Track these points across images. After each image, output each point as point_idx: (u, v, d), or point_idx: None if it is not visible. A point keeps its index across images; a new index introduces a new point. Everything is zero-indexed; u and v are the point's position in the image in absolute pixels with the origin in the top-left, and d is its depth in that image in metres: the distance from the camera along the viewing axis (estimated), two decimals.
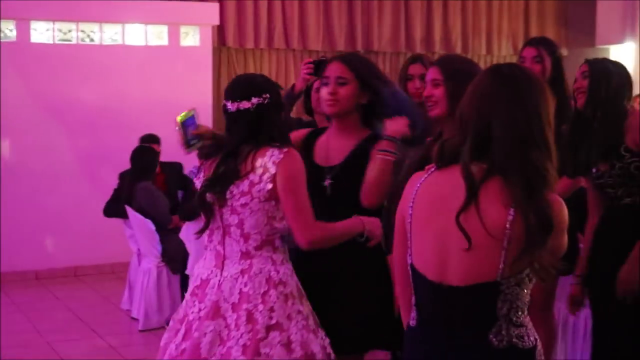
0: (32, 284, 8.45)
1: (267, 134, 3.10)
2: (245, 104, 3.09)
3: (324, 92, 3.43)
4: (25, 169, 8.72)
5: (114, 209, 7.29)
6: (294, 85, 4.63)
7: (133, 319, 6.96)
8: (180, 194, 7.56)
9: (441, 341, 2.36)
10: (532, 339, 2.35)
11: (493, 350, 2.29)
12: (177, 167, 7.81)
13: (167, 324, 6.52)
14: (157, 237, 6.80)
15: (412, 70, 4.73)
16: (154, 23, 9.42)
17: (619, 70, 3.92)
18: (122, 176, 7.44)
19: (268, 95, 3.12)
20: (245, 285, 3.04)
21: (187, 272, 6.43)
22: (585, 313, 4.67)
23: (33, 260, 8.70)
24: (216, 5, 9.89)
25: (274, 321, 3.01)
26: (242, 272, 3.06)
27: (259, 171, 3.05)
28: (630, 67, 11.38)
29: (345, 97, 3.40)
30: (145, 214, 6.80)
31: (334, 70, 3.45)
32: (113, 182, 7.54)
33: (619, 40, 11.55)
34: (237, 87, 3.20)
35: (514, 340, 2.30)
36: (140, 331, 6.72)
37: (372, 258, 3.37)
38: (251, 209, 3.04)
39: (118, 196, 7.28)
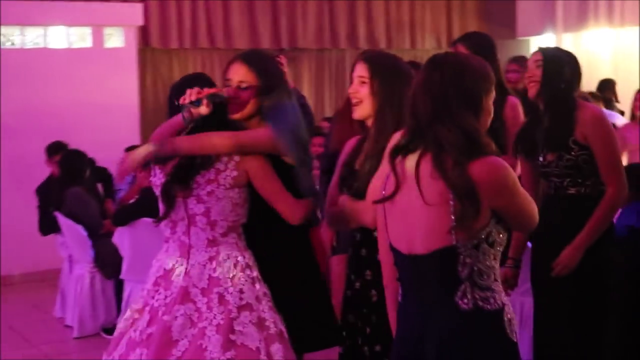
0: None
1: (232, 126, 3.26)
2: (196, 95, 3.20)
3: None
4: None
5: (48, 225, 7.17)
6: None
7: (67, 326, 6.87)
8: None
9: (416, 309, 2.58)
10: (498, 302, 2.50)
11: (460, 312, 2.46)
12: (105, 171, 7.76)
13: (103, 330, 6.53)
14: (89, 242, 6.71)
15: None
16: (77, 25, 9.29)
17: (571, 60, 3.95)
18: (39, 191, 7.34)
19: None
20: (215, 270, 3.16)
21: (121, 276, 6.37)
22: (521, 300, 4.84)
23: None
24: (140, 6, 9.79)
25: (244, 302, 3.14)
26: (210, 259, 3.18)
27: (225, 159, 3.18)
28: None
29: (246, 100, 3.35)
30: (76, 220, 6.70)
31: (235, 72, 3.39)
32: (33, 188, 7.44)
33: (538, 31, 11.82)
34: (181, 84, 3.37)
35: (480, 302, 2.47)
36: (75, 338, 6.64)
37: (299, 263, 3.43)
38: (217, 197, 3.17)
39: (45, 211, 7.16)
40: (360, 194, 3.09)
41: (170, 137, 3.21)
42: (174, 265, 3.23)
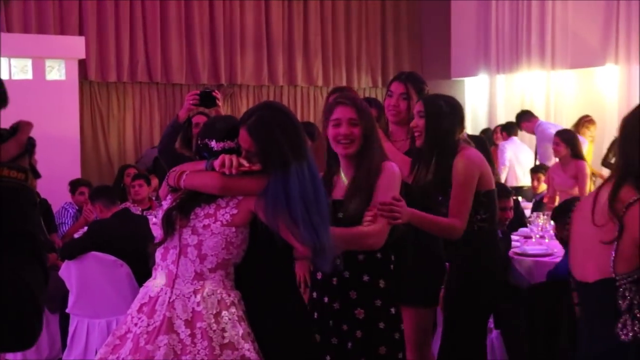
0: None
1: None
2: (230, 144, 3.26)
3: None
4: None
5: None
6: (177, 116, 4.66)
7: None
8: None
9: (586, 333, 2.85)
10: None
11: (620, 343, 2.66)
12: (44, 204, 7.67)
13: None
14: None
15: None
16: (18, 56, 9.20)
17: (451, 108, 4.16)
18: None
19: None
20: (198, 305, 3.13)
21: (67, 310, 6.28)
22: (491, 338, 5.13)
23: None
24: (82, 39, 9.78)
25: (226, 340, 3.09)
26: (195, 292, 3.15)
27: (227, 196, 3.19)
28: (485, 99, 12.01)
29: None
30: None
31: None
32: None
33: (472, 73, 12.10)
34: (219, 129, 3.33)
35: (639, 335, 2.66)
36: None
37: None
38: (212, 232, 3.16)
39: None
40: (347, 223, 3.43)
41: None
42: (158, 293, 3.21)
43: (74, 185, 8.28)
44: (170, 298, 3.17)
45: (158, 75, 11.03)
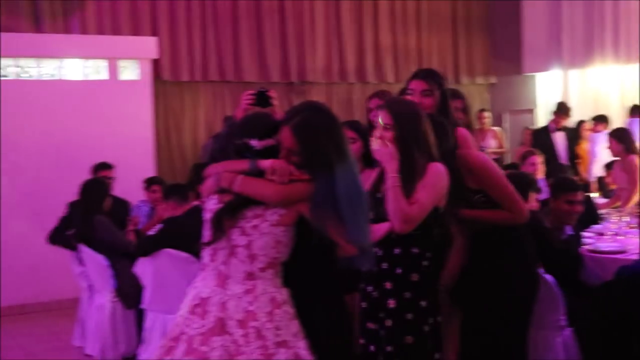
0: None
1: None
2: (270, 141, 3.28)
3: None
4: None
5: (60, 237, 7.21)
6: (234, 116, 4.72)
7: (87, 355, 6.86)
8: None
9: None
10: None
11: None
12: (124, 204, 7.83)
13: (123, 359, 6.56)
14: (110, 272, 6.75)
15: (372, 105, 4.92)
16: (92, 57, 9.38)
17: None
18: (72, 205, 7.39)
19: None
20: (251, 304, 3.16)
21: (142, 306, 6.40)
22: (563, 335, 5.04)
23: None
24: (154, 39, 9.92)
25: (280, 339, 3.14)
26: (247, 291, 3.18)
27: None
28: (557, 93, 11.84)
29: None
30: (105, 247, 6.76)
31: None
32: (54, 218, 7.46)
33: (544, 68, 11.93)
34: (258, 127, 3.36)
35: None
36: None
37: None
38: (261, 232, 3.19)
39: (65, 225, 7.21)
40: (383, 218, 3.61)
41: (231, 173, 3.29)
42: (209, 294, 3.22)
43: (149, 183, 8.42)
44: (222, 299, 3.19)
45: (230, 73, 11.12)
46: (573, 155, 10.40)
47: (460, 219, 4.14)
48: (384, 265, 3.78)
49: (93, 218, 6.86)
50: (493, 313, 4.24)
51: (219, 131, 10.63)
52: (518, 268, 4.35)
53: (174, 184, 6.97)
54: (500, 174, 4.28)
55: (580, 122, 10.69)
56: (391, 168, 3.66)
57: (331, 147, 3.18)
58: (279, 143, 3.28)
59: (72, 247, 7.05)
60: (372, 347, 3.80)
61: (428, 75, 4.49)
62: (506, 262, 4.29)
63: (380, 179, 3.80)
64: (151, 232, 6.91)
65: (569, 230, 5.73)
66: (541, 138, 10.30)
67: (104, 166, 7.96)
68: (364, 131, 4.61)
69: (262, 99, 4.15)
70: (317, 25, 11.73)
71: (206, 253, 3.30)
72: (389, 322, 3.75)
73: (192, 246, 5.74)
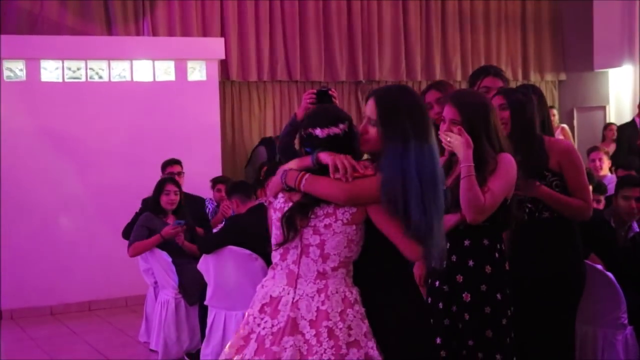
0: (48, 320, 8.49)
1: (355, 156, 3.24)
2: (334, 130, 3.23)
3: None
4: (37, 205, 8.80)
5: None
6: (295, 115, 4.74)
7: (152, 350, 6.98)
8: None
9: None
10: None
11: None
12: (198, 201, 7.94)
13: (186, 355, 6.64)
14: (173, 268, 6.83)
15: (428, 98, 4.88)
16: (161, 59, 9.53)
17: (528, 99, 4.25)
18: (144, 201, 7.52)
19: (348, 122, 3.27)
20: (323, 303, 3.12)
21: (205, 302, 6.46)
22: (625, 334, 4.98)
23: (47, 295, 8.75)
24: (221, 40, 10.03)
25: (352, 339, 3.10)
26: (319, 291, 3.15)
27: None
28: (629, 90, 11.60)
29: None
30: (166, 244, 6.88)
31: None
32: (125, 215, 7.62)
33: (617, 64, 11.71)
34: (322, 116, 3.30)
35: None
36: None
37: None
38: (334, 231, 3.14)
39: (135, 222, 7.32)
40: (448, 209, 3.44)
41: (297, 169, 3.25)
42: (280, 293, 3.20)
43: (214, 182, 8.52)
44: (293, 298, 3.16)
45: (297, 73, 11.18)
46: None
47: (532, 196, 4.13)
48: (453, 258, 3.76)
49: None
50: (539, 302, 4.15)
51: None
52: (569, 260, 4.26)
53: (237, 182, 7.02)
54: (582, 165, 4.30)
55: None
56: (466, 157, 3.62)
57: (408, 120, 3.12)
58: (345, 132, 3.23)
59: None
60: (454, 343, 3.77)
61: (499, 72, 4.63)
62: (558, 253, 4.21)
63: (446, 170, 3.73)
64: (215, 230, 7.01)
65: (635, 228, 5.62)
66: (626, 133, 10.06)
67: (171, 162, 8.09)
68: None
69: (323, 97, 4.16)
70: (384, 24, 11.72)
71: (276, 252, 3.27)
72: (466, 316, 3.74)
73: (255, 244, 5.82)
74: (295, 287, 3.18)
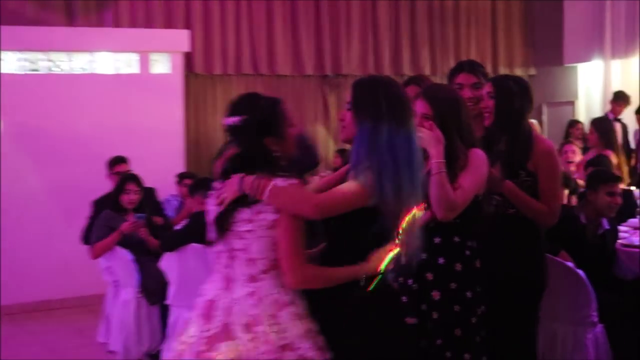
0: (2, 320, 8.24)
1: (255, 160, 3.13)
2: (235, 119, 3.17)
3: None
4: None
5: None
6: None
7: (111, 352, 6.82)
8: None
9: None
10: None
11: None
12: (148, 191, 7.76)
13: (147, 355, 6.50)
14: (134, 266, 6.70)
15: (409, 93, 4.79)
16: (124, 51, 9.35)
17: (521, 89, 4.23)
18: (96, 204, 7.36)
19: (244, 117, 3.14)
20: (255, 307, 3.07)
21: (167, 302, 6.34)
22: (595, 332, 4.96)
23: (1, 295, 8.52)
24: (186, 32, 9.88)
25: (286, 341, 3.06)
26: (251, 294, 3.09)
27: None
28: (599, 85, 11.60)
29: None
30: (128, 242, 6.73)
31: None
32: (83, 213, 7.45)
33: (586, 58, 11.72)
34: (232, 104, 3.25)
35: None
36: None
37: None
38: (256, 235, 3.08)
39: (93, 223, 7.17)
40: None
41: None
42: (215, 297, 3.16)
43: (181, 177, 8.38)
44: (228, 303, 3.11)
45: (263, 66, 11.05)
46: (629, 147, 10.14)
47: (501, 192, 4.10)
48: (423, 256, 3.65)
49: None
50: (501, 300, 4.06)
51: None
52: (531, 258, 4.22)
53: (199, 179, 6.92)
54: (559, 171, 4.29)
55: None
56: (437, 153, 3.56)
57: (384, 101, 3.08)
58: (246, 126, 3.12)
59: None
60: (422, 342, 3.70)
61: (474, 68, 4.53)
62: (520, 251, 4.17)
63: None
64: (178, 227, 6.88)
65: (605, 225, 5.58)
66: (604, 127, 10.01)
67: (118, 160, 7.86)
68: None
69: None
70: (352, 17, 11.60)
71: (214, 255, 3.23)
72: (435, 315, 3.69)
73: None
74: (230, 291, 3.13)
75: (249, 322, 3.06)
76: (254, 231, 3.07)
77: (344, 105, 3.26)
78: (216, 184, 3.25)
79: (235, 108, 3.19)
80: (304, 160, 3.90)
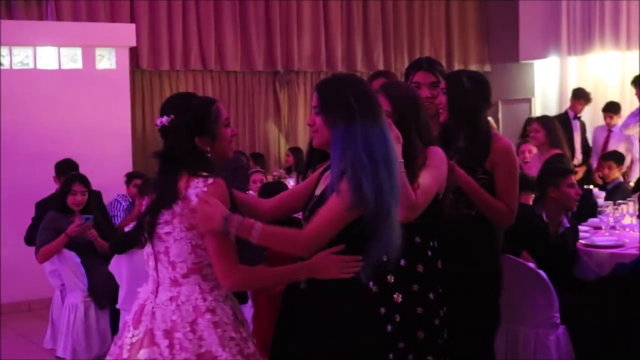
0: None
1: (182, 160, 3.06)
2: (164, 120, 3.08)
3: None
4: None
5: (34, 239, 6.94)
6: None
7: (58, 358, 6.63)
8: None
9: None
10: None
11: None
12: (96, 195, 7.51)
13: None
14: (82, 269, 6.53)
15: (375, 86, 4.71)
16: (67, 45, 9.06)
17: (475, 85, 4.13)
18: (39, 205, 7.12)
19: (172, 117, 3.07)
20: (174, 313, 3.03)
21: (117, 306, 6.18)
22: (557, 334, 4.98)
23: None
24: (132, 27, 9.63)
25: (203, 349, 3.01)
26: (172, 299, 3.05)
27: (180, 202, 3.04)
28: (555, 82, 11.64)
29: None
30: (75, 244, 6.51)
31: None
32: (26, 214, 7.28)
33: (542, 55, 11.77)
34: (163, 103, 3.19)
35: None
36: None
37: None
38: (174, 238, 3.03)
39: (36, 224, 6.93)
40: None
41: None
42: (145, 301, 3.13)
43: (130, 177, 8.16)
44: (152, 308, 3.07)
45: (212, 62, 10.94)
46: (587, 145, 10.16)
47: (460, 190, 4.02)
48: (384, 258, 3.46)
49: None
50: (459, 301, 3.99)
51: None
52: (486, 258, 4.19)
53: (149, 179, 6.72)
54: (517, 170, 4.20)
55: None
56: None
57: (354, 101, 2.97)
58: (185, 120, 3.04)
59: None
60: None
61: (432, 66, 4.44)
62: (475, 251, 4.13)
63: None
64: (127, 229, 6.71)
65: (565, 223, 5.57)
66: (563, 126, 10.00)
67: (69, 167, 7.48)
68: None
69: None
70: (303, 12, 11.51)
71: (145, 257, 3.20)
72: (397, 317, 3.62)
73: None
74: (156, 295, 3.10)
75: (169, 328, 3.02)
76: (172, 233, 3.02)
77: (306, 107, 3.13)
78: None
79: (165, 108, 3.12)
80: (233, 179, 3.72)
